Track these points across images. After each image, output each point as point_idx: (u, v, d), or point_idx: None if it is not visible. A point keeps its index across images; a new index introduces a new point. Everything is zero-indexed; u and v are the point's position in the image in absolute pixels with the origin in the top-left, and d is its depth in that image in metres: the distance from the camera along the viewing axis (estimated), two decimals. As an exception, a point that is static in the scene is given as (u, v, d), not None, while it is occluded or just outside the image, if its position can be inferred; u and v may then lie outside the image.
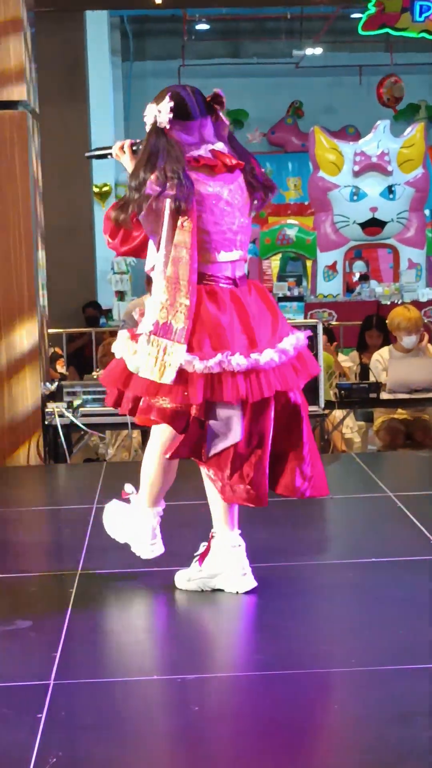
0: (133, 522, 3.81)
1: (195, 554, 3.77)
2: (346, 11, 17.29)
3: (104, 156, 3.86)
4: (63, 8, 12.72)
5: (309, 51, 19.48)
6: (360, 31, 14.24)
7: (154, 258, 3.54)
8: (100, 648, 3.32)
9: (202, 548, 3.75)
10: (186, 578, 3.74)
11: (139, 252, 3.67)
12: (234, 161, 3.56)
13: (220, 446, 3.53)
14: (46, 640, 3.35)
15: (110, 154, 3.79)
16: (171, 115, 3.50)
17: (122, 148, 3.69)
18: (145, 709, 2.88)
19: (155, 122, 3.54)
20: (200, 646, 3.35)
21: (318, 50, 19.56)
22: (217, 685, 3.06)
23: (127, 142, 3.70)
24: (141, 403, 3.57)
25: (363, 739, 2.66)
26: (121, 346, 3.61)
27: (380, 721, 2.74)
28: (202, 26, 19.29)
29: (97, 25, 15.75)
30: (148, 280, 3.64)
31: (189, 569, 3.76)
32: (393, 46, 18.84)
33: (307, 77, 19.84)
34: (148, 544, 3.79)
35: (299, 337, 3.62)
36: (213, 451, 3.53)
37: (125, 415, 3.73)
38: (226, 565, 3.65)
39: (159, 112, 3.53)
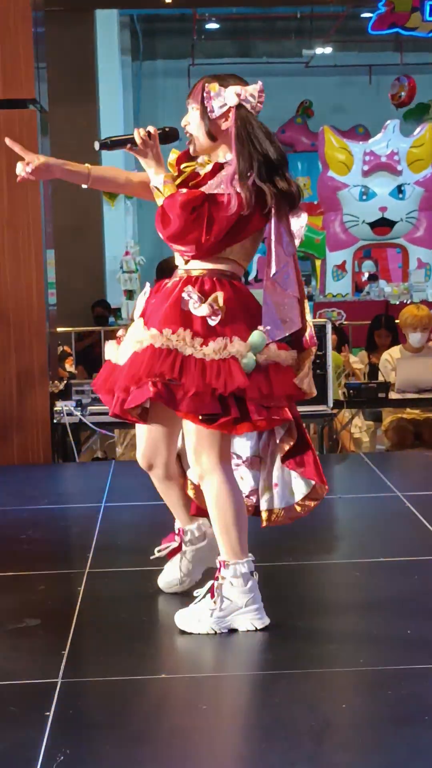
0: (235, 594, 3.35)
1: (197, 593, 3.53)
2: (355, 11, 17.27)
3: (123, 145, 3.42)
4: (73, 7, 12.75)
5: (319, 50, 19.47)
6: (370, 31, 14.24)
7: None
8: (108, 646, 3.32)
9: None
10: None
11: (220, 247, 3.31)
12: None
13: (290, 443, 3.40)
14: (55, 638, 3.35)
15: (131, 142, 3.36)
16: (261, 104, 3.36)
17: (148, 134, 3.34)
18: (152, 707, 2.88)
19: (240, 104, 3.30)
20: (208, 645, 3.35)
21: (328, 50, 19.54)
22: (225, 683, 3.06)
23: (152, 129, 3.36)
24: (262, 407, 3.24)
25: (371, 739, 2.65)
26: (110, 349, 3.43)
27: (388, 721, 2.74)
28: (212, 25, 19.28)
29: (107, 24, 15.75)
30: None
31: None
32: (403, 46, 18.81)
33: (316, 77, 19.82)
34: (254, 609, 3.35)
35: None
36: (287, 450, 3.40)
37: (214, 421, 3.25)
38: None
39: (252, 95, 3.33)
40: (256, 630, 3.33)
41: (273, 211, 3.31)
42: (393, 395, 6.93)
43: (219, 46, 19.83)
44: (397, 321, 8.40)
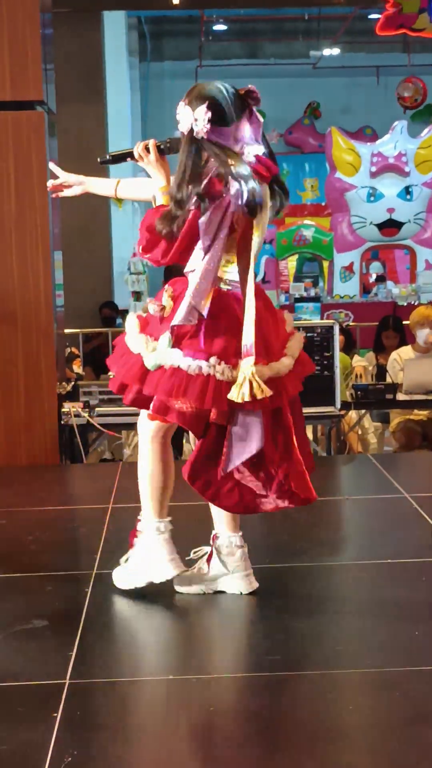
0: (143, 547, 3.71)
1: (193, 556, 3.78)
2: (363, 12, 17.26)
3: (123, 159, 3.64)
4: (80, 9, 12.75)
5: (326, 52, 19.47)
6: (377, 32, 14.21)
7: (197, 262, 3.41)
8: (115, 648, 3.32)
9: (199, 552, 3.77)
10: (188, 581, 3.70)
11: (181, 259, 3.47)
12: (271, 170, 3.45)
13: (244, 454, 3.45)
14: (62, 639, 3.35)
15: (130, 156, 3.60)
16: (209, 126, 3.34)
17: (146, 148, 3.54)
18: (160, 708, 2.88)
19: (191, 130, 3.36)
20: (215, 647, 3.35)
21: (335, 51, 19.54)
22: (232, 685, 3.06)
23: (151, 142, 3.55)
24: (156, 402, 3.48)
25: (378, 740, 2.65)
26: (137, 341, 3.51)
27: (395, 722, 2.74)
28: (220, 27, 19.28)
29: (115, 25, 15.76)
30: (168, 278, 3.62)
31: (191, 572, 3.73)
32: (411, 47, 18.80)
33: (324, 78, 19.81)
34: (166, 561, 3.65)
35: (300, 339, 3.62)
36: (236, 459, 3.44)
37: (131, 406, 3.63)
38: (229, 566, 3.65)
39: (195, 121, 3.35)
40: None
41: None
42: (401, 397, 6.93)
43: (226, 47, 19.84)
44: (405, 322, 8.41)
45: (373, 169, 13.99)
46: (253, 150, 3.40)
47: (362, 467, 6.13)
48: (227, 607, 3.52)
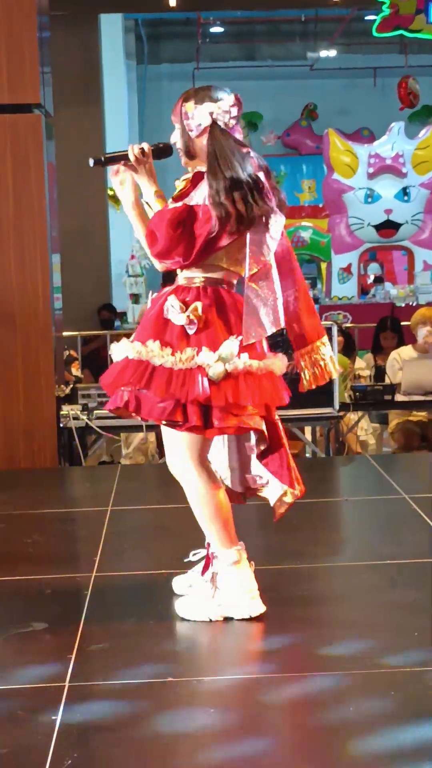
0: (227, 583, 3.47)
1: (192, 558, 3.75)
2: (360, 13, 17.27)
3: (117, 161, 3.51)
4: (77, 12, 12.76)
5: (323, 53, 19.49)
6: (374, 33, 14.23)
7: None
8: (115, 650, 3.32)
9: (198, 554, 3.73)
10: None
11: (200, 258, 3.38)
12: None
13: (261, 448, 3.51)
14: (62, 642, 3.35)
15: (125, 158, 3.47)
16: (237, 117, 3.36)
17: (141, 151, 3.45)
18: (160, 711, 2.88)
19: (214, 122, 3.34)
20: (215, 648, 3.35)
21: (332, 52, 19.56)
22: (233, 686, 3.06)
23: (145, 145, 3.47)
24: (220, 410, 3.32)
25: (379, 740, 2.65)
26: (186, 355, 3.34)
27: (396, 722, 2.74)
28: (217, 29, 19.30)
29: (112, 28, 15.77)
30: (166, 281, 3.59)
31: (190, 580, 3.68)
32: (407, 48, 18.82)
33: (321, 79, 19.83)
34: (249, 598, 3.46)
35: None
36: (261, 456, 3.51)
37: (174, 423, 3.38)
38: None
39: (220, 110, 3.33)
40: (251, 618, 3.43)
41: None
42: (399, 398, 6.93)
43: (223, 49, 19.85)
44: (403, 323, 8.42)
45: (371, 170, 14.00)
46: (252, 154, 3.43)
47: (361, 468, 6.14)
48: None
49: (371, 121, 18.67)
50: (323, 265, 15.39)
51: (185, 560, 3.79)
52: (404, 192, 14.07)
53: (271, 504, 3.61)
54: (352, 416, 7.17)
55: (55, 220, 6.53)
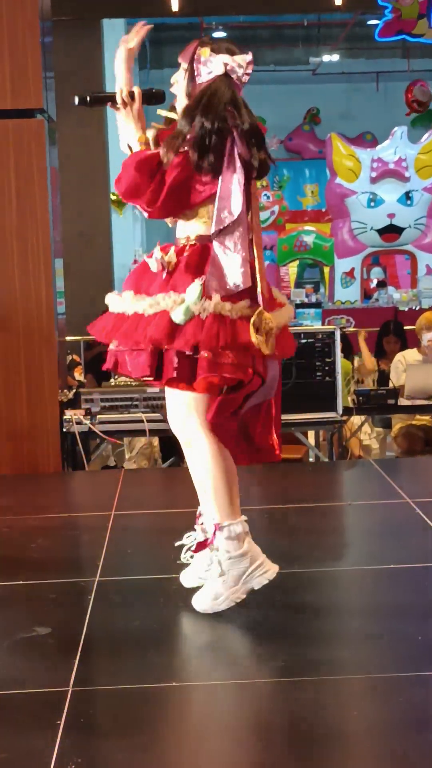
0: (226, 555, 3.42)
1: (185, 541, 3.73)
2: (362, 18, 17.30)
3: (102, 102, 3.40)
4: (80, 17, 12.78)
5: (326, 58, 19.52)
6: (377, 38, 14.25)
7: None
8: (118, 655, 3.32)
9: (190, 537, 3.70)
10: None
11: (172, 210, 3.35)
12: None
13: (258, 398, 3.43)
14: (65, 647, 3.35)
15: (111, 100, 3.37)
16: (249, 75, 3.32)
17: (130, 95, 3.37)
18: (164, 715, 2.87)
19: (226, 73, 3.29)
20: (217, 654, 3.35)
21: (335, 57, 19.59)
22: (236, 691, 3.05)
23: (136, 89, 3.39)
24: (201, 362, 3.23)
25: (382, 746, 2.65)
26: (148, 302, 3.30)
27: (399, 728, 2.73)
28: (219, 34, 19.32)
29: (114, 33, 15.78)
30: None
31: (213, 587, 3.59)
32: (410, 53, 18.83)
33: (324, 84, 19.86)
34: (260, 563, 3.42)
35: (290, 311, 3.62)
36: (250, 404, 3.42)
37: (166, 383, 3.33)
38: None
39: (236, 64, 3.28)
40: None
41: (224, 165, 3.30)
42: (402, 402, 6.93)
43: (226, 54, 19.85)
44: (406, 327, 8.42)
45: (374, 174, 14.02)
46: None
47: (364, 473, 6.13)
48: (230, 614, 3.51)
49: (374, 125, 18.70)
50: (326, 270, 15.40)
51: (176, 544, 3.75)
52: (407, 196, 14.08)
53: None
54: (355, 420, 7.17)
55: (57, 225, 6.53)
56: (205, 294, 3.25)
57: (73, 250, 10.65)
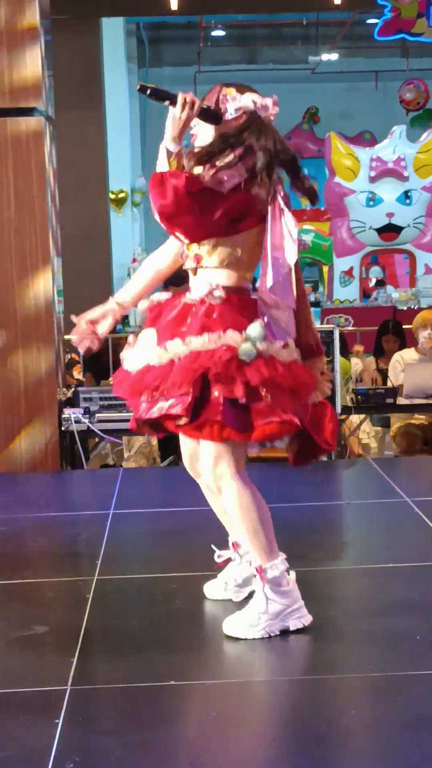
0: (278, 594, 3.36)
1: (217, 559, 3.67)
2: (361, 17, 17.29)
3: (162, 99, 3.34)
4: (79, 15, 12.78)
5: (325, 57, 19.51)
6: (376, 37, 14.25)
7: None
8: (116, 653, 3.32)
9: (223, 556, 3.67)
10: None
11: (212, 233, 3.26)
12: None
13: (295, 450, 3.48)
14: (63, 645, 3.35)
15: (171, 100, 3.31)
16: (275, 113, 3.36)
17: (192, 103, 3.26)
18: (161, 714, 2.87)
19: (254, 111, 3.31)
20: (216, 652, 3.35)
21: (334, 56, 19.58)
22: (234, 690, 3.05)
23: (198, 101, 3.29)
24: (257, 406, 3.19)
25: (380, 744, 2.65)
26: (206, 340, 3.20)
27: (397, 726, 2.73)
28: (218, 33, 19.32)
29: (113, 31, 15.80)
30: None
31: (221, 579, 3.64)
32: (409, 52, 18.83)
33: (322, 83, 19.85)
34: (299, 606, 3.38)
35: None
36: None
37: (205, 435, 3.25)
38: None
39: (264, 104, 3.33)
40: (304, 627, 3.36)
41: (270, 211, 3.29)
42: (401, 401, 6.93)
43: (225, 53, 19.86)
44: (405, 326, 8.41)
45: (373, 173, 14.01)
46: None
47: (363, 472, 6.13)
48: (228, 613, 3.52)
49: (373, 124, 18.69)
50: (325, 269, 15.40)
51: (213, 548, 3.72)
52: (406, 195, 14.08)
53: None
54: (354, 419, 7.17)
55: (57, 224, 6.53)
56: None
57: (72, 248, 10.63)
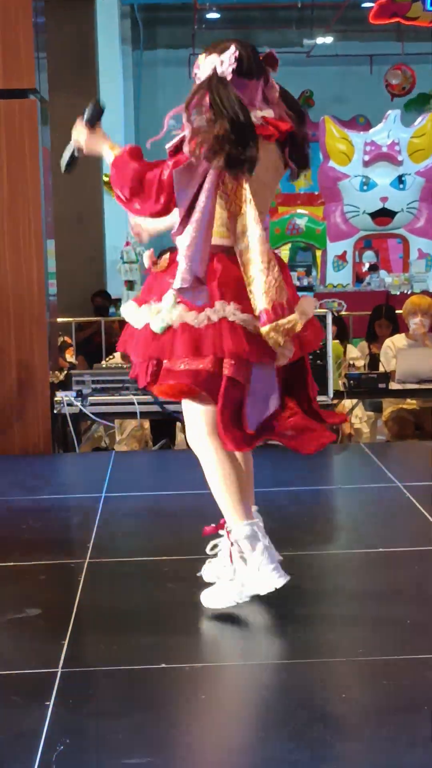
0: (245, 558, 3.38)
1: (209, 552, 3.62)
2: (356, 0, 17.22)
3: (75, 158, 3.49)
4: (73, -4, 12.72)
5: (320, 40, 19.42)
6: (371, 21, 14.19)
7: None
8: (108, 636, 3.32)
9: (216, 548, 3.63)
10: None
11: (164, 212, 3.31)
12: (279, 128, 3.34)
13: (264, 412, 3.41)
14: (55, 628, 3.36)
15: (78, 151, 3.47)
16: (233, 67, 3.27)
17: (78, 145, 3.42)
18: (152, 697, 2.88)
19: (214, 73, 3.27)
20: (206, 635, 3.36)
21: (329, 39, 19.49)
22: (224, 673, 3.06)
23: (78, 124, 3.43)
24: (173, 371, 3.29)
25: (371, 728, 2.66)
26: (141, 313, 3.36)
27: (387, 710, 2.75)
28: (213, 15, 19.22)
29: (108, 13, 15.71)
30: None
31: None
32: (404, 36, 18.77)
33: (317, 66, 19.77)
34: (270, 570, 3.36)
35: (312, 301, 3.58)
36: (256, 419, 3.38)
37: (147, 388, 3.43)
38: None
39: (221, 63, 3.28)
40: (276, 590, 3.35)
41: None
42: (393, 386, 6.93)
43: (220, 35, 19.63)
44: (398, 311, 8.42)
45: (367, 158, 13.97)
46: (263, 113, 3.34)
47: (355, 456, 6.14)
48: (220, 596, 3.52)
49: (367, 108, 18.63)
50: (318, 253, 15.35)
51: (207, 550, 3.72)
52: (400, 180, 14.04)
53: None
54: (346, 404, 7.18)
55: (49, 206, 6.51)
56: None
57: (65, 231, 10.60)
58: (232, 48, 3.33)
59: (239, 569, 3.39)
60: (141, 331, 3.36)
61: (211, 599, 3.45)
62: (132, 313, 3.43)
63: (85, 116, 3.46)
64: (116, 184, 3.33)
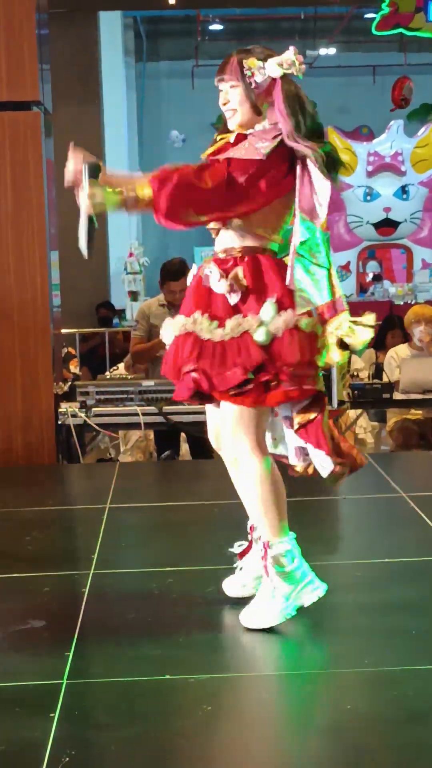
0: (275, 572, 3.35)
1: (232, 550, 3.63)
2: (359, 11, 17.26)
3: (92, 229, 3.42)
4: (76, 9, 12.75)
5: (322, 51, 19.46)
6: (374, 32, 14.23)
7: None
8: (112, 647, 3.32)
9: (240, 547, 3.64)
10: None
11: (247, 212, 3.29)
12: None
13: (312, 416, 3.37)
14: (59, 639, 3.35)
15: (90, 222, 3.37)
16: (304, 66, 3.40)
17: (90, 210, 3.30)
18: (156, 708, 2.88)
19: (285, 74, 3.41)
20: (211, 647, 3.35)
21: (331, 50, 19.53)
22: (229, 685, 3.06)
23: (84, 181, 3.28)
24: (286, 376, 3.23)
25: (377, 739, 2.65)
26: (231, 325, 3.25)
27: (393, 721, 2.74)
28: (216, 27, 19.26)
29: (111, 25, 15.75)
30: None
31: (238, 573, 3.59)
32: (407, 47, 18.81)
33: (320, 77, 19.78)
34: (310, 579, 3.37)
35: None
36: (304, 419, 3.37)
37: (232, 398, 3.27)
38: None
39: (289, 62, 3.40)
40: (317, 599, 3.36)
41: (299, 176, 3.32)
42: (397, 396, 6.93)
43: (223, 47, 19.79)
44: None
45: (370, 168, 14.02)
46: None
47: (359, 466, 6.12)
48: (223, 608, 3.52)
49: (370, 119, 18.64)
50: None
51: (229, 550, 3.71)
52: (403, 190, 14.09)
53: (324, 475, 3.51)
54: (350, 414, 7.17)
55: (53, 217, 6.53)
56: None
57: (69, 242, 10.62)
58: (292, 51, 3.48)
59: (278, 585, 3.35)
60: (235, 341, 3.25)
61: (254, 620, 3.36)
62: (206, 327, 3.28)
63: (86, 176, 3.32)
64: (185, 204, 3.22)
